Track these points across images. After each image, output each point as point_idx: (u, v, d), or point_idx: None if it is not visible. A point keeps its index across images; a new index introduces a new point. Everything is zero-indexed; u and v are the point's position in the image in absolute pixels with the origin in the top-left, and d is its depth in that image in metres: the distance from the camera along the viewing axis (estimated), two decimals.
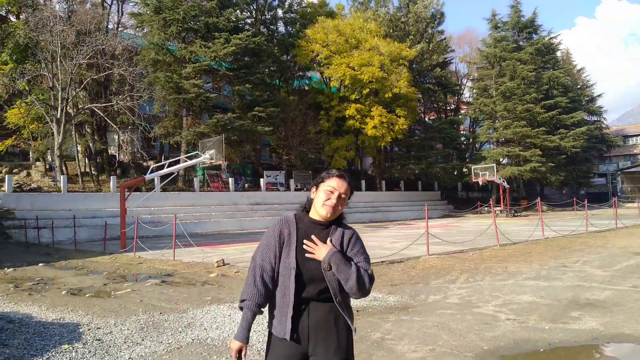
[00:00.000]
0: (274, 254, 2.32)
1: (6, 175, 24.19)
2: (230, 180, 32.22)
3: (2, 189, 23.36)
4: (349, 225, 2.49)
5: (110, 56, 27.49)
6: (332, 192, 2.35)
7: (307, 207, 2.47)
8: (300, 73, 40.92)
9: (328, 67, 36.98)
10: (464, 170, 45.41)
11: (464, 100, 54.10)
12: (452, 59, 51.01)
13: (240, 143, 33.52)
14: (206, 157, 19.77)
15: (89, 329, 5.99)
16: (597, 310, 6.22)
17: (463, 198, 49.20)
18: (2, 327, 5.29)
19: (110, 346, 5.27)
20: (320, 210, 2.36)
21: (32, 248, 18.12)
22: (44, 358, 4.79)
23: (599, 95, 55.97)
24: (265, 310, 2.39)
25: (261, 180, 33.93)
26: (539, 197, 23.11)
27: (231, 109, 33.18)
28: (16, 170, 28.78)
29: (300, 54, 36.63)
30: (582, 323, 5.64)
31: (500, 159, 43.24)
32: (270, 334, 2.34)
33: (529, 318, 5.97)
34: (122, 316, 6.67)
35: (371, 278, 2.31)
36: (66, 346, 5.20)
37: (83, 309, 7.24)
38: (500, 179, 37.77)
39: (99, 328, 6.04)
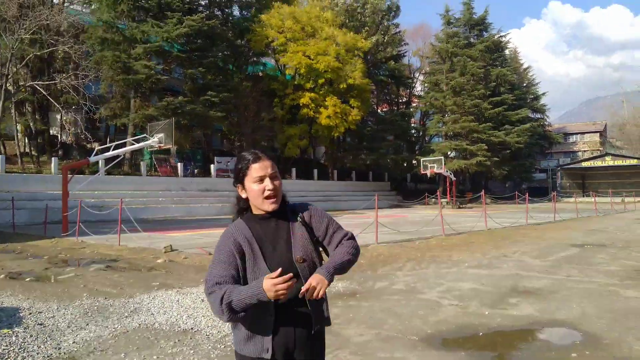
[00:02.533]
0: (235, 268, 1.95)
1: None
2: (179, 165, 31.56)
3: None
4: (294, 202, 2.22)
5: (55, 32, 26.19)
6: (262, 180, 2.02)
7: (242, 207, 2.14)
8: (255, 59, 40.42)
9: (284, 55, 36.73)
10: (414, 162, 46.48)
11: (416, 93, 55.19)
12: (405, 52, 51.87)
13: (191, 128, 32.84)
14: (155, 140, 19.26)
15: (30, 313, 5.78)
16: (534, 297, 6.57)
17: (412, 189, 50.34)
18: None
19: (53, 330, 5.12)
20: (265, 207, 2.03)
21: None
22: None
23: (543, 94, 58.57)
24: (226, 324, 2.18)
25: (212, 166, 33.43)
26: (483, 190, 24.00)
27: (182, 92, 32.43)
28: None
29: (255, 39, 36.16)
30: (519, 309, 5.94)
31: (448, 152, 44.53)
32: (238, 356, 2.01)
33: (470, 304, 6.22)
34: (65, 301, 6.47)
35: (355, 241, 2.14)
36: (6, 330, 5.00)
37: (23, 293, 6.97)
38: (447, 171, 38.88)
39: (41, 312, 5.84)
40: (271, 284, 1.76)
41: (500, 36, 48.40)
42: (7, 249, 12.65)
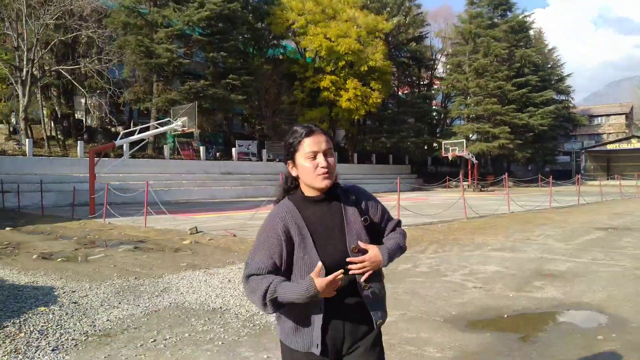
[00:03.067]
0: (278, 256, 1.81)
1: None
2: (202, 148, 31.88)
3: None
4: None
5: (78, 17, 26.50)
6: (315, 156, 1.84)
7: (290, 186, 1.97)
8: (275, 42, 40.33)
9: (304, 37, 36.56)
10: (434, 145, 46.12)
11: (438, 75, 54.48)
12: (427, 34, 51.14)
13: (212, 111, 33.08)
14: (178, 124, 19.48)
15: (64, 292, 6.00)
16: (559, 280, 6.55)
17: (432, 172, 50.02)
18: None
19: (87, 308, 5.30)
20: (317, 184, 1.85)
21: None
22: (22, 319, 4.79)
23: (567, 75, 57.21)
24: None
25: (233, 149, 33.68)
26: (506, 173, 23.75)
27: (204, 76, 32.59)
28: None
29: (275, 22, 36.03)
30: (544, 292, 5.94)
31: (470, 135, 44.04)
32: (284, 347, 1.89)
33: (495, 287, 6.24)
34: (96, 280, 6.68)
35: (404, 233, 2.04)
36: (43, 308, 5.21)
37: (56, 273, 7.21)
38: (469, 154, 38.50)
39: (74, 291, 6.05)
40: (324, 285, 1.67)
41: (525, 16, 47.32)
42: (36, 230, 13.03)
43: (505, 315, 5.05)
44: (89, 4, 27.07)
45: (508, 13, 46.97)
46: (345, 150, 44.23)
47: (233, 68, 32.56)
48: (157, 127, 20.70)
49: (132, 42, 28.69)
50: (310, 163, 1.84)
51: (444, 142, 40.00)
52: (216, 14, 30.55)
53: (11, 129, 29.30)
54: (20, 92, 25.16)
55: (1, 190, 19.85)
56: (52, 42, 26.78)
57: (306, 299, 1.68)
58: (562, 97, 55.20)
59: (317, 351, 1.78)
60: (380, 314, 1.92)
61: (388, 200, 21.81)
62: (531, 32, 51.36)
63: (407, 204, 15.44)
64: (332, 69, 36.47)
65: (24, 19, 24.34)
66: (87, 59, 27.49)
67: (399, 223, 2.07)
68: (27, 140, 24.32)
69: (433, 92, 51.70)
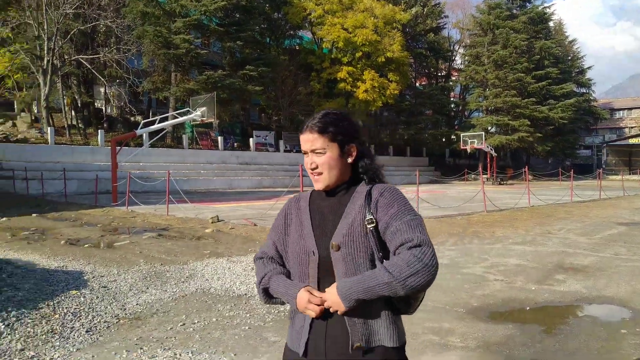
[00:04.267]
0: (280, 237, 1.78)
1: None
2: (220, 138, 32.09)
3: None
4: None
5: (97, 6, 26.74)
6: (307, 154, 1.73)
7: None
8: (292, 32, 40.26)
9: (321, 28, 36.46)
10: (453, 137, 45.77)
11: (456, 67, 53.97)
12: (445, 25, 50.64)
13: (229, 102, 33.21)
14: (197, 114, 19.66)
15: (93, 277, 6.17)
16: (581, 274, 6.55)
17: (450, 165, 49.74)
18: (12, 272, 5.45)
19: (116, 293, 5.46)
20: (313, 182, 1.74)
21: (21, 199, 18.07)
22: (55, 302, 4.96)
23: (588, 68, 56.25)
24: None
25: (250, 140, 33.85)
26: (526, 166, 23.54)
27: (221, 66, 32.71)
28: (1, 120, 28.29)
29: (292, 11, 35.97)
30: (566, 285, 5.95)
31: (489, 127, 43.62)
32: (286, 346, 1.77)
33: (516, 279, 6.27)
34: (124, 266, 6.85)
35: (423, 253, 1.46)
36: (74, 291, 5.37)
37: (84, 258, 7.40)
38: (488, 147, 38.19)
39: (103, 276, 6.22)
40: (305, 300, 1.58)
41: (545, 7, 46.57)
42: (62, 216, 13.31)
43: (527, 308, 5.08)
44: None
45: (527, 4, 46.26)
46: None
47: (250, 58, 32.63)
48: (176, 117, 20.90)
49: (150, 32, 28.88)
50: (305, 160, 1.75)
51: (462, 134, 39.68)
52: (233, 4, 30.58)
53: (33, 118, 29.75)
54: (41, 81, 25.54)
55: (25, 177, 20.25)
56: (72, 32, 27.06)
57: (289, 301, 1.65)
58: (583, 90, 54.31)
59: (300, 352, 1.64)
60: (364, 336, 1.57)
61: (406, 193, 21.83)
62: (551, 23, 50.54)
63: (425, 196, 15.43)
64: (349, 59, 36.34)
65: (44, 8, 24.63)
66: (106, 49, 27.74)
67: (412, 241, 1.50)
68: (49, 128, 24.73)
69: (451, 83, 51.26)
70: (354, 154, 1.74)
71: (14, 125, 28.34)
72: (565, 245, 8.78)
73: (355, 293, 1.50)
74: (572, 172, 21.15)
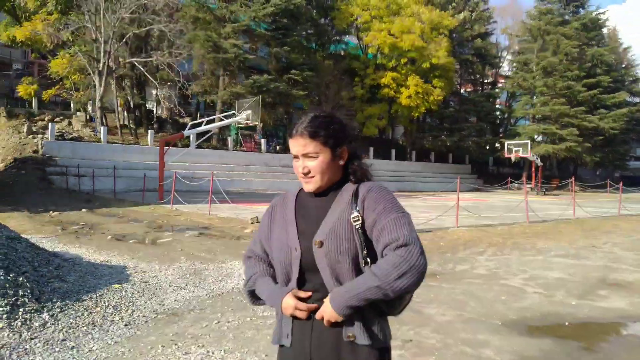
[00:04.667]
0: (265, 235, 1.78)
1: (49, 123, 25.05)
2: (263, 141, 32.59)
3: (46, 136, 24.24)
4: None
5: (151, 11, 27.71)
6: (297, 158, 1.71)
7: None
8: (337, 37, 40.43)
9: (367, 33, 36.47)
10: (497, 145, 44.78)
11: (503, 73, 52.76)
12: (493, 31, 49.53)
13: (274, 105, 33.65)
14: (242, 117, 20.07)
15: (135, 272, 6.42)
16: (625, 291, 6.31)
17: (493, 173, 48.63)
18: (59, 265, 5.74)
19: (156, 288, 5.67)
20: (303, 185, 1.74)
21: (73, 194, 18.92)
22: (98, 294, 5.20)
23: None
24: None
25: None
26: (572, 177, 22.78)
27: (267, 70, 33.22)
28: (58, 119, 29.65)
29: (339, 17, 36.15)
30: (609, 302, 5.76)
31: (535, 136, 42.40)
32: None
33: (556, 293, 6.11)
34: (165, 262, 7.09)
35: (410, 252, 1.47)
36: (117, 285, 5.62)
37: (128, 253, 7.71)
38: (534, 156, 37.14)
39: (145, 272, 6.46)
40: (292, 307, 1.59)
41: (599, 13, 44.88)
42: (110, 212, 13.86)
43: (567, 323, 4.95)
44: None
45: (580, 10, 44.77)
46: (403, 147, 43.82)
47: (295, 63, 33.00)
48: (222, 120, 21.40)
49: (201, 36, 29.67)
50: (294, 164, 1.74)
51: (507, 142, 38.74)
52: (281, 9, 31.04)
53: (88, 117, 31.05)
54: (96, 83, 26.66)
55: (78, 174, 21.17)
56: (127, 35, 28.12)
57: (272, 305, 1.67)
58: (637, 100, 51.99)
59: (287, 343, 1.66)
60: (356, 330, 1.58)
61: (447, 200, 21.50)
62: (605, 30, 48.70)
63: (466, 205, 15.18)
64: (394, 65, 36.16)
65: (102, 12, 25.73)
66: (159, 52, 28.68)
67: (399, 240, 1.50)
68: (102, 128, 25.80)
69: (497, 90, 50.12)
70: (345, 156, 1.73)
71: (70, 124, 29.68)
72: (610, 260, 8.47)
73: (348, 302, 1.51)
74: (621, 184, 20.29)
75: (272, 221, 1.78)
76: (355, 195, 1.64)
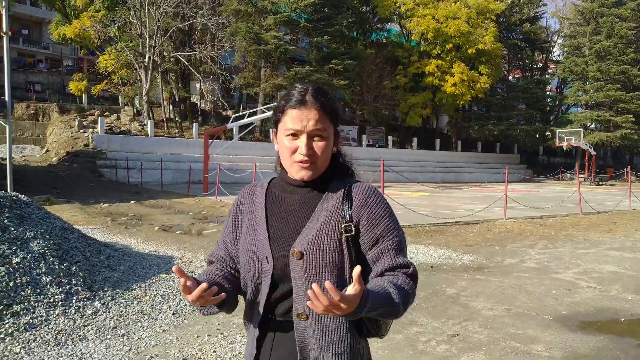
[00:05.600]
0: (230, 236, 1.50)
1: (99, 118, 25.98)
2: None
3: (96, 130, 25.14)
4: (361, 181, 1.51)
5: (194, 5, 28.16)
6: (296, 136, 1.38)
7: (281, 164, 1.50)
8: (379, 25, 39.95)
9: (410, 20, 35.83)
10: (547, 133, 43.28)
11: (553, 58, 50.82)
12: (543, 14, 47.77)
13: None
14: None
15: (182, 262, 6.55)
16: None
17: (544, 163, 47.09)
18: (110, 255, 5.91)
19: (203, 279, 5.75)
20: (292, 172, 1.42)
21: (122, 187, 19.55)
22: (147, 284, 5.33)
23: None
24: None
25: None
26: (628, 166, 21.73)
27: (308, 61, 33.23)
28: (107, 113, 30.72)
29: (381, 4, 35.67)
30: None
31: (588, 124, 40.67)
32: None
33: (611, 287, 5.84)
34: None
35: (414, 282, 1.37)
36: (164, 275, 5.74)
37: (175, 244, 7.88)
38: (586, 144, 35.69)
39: (191, 262, 6.59)
40: (190, 299, 1.28)
41: None
42: (157, 204, 14.23)
43: (622, 319, 4.72)
44: None
45: None
46: (448, 137, 42.97)
47: (336, 53, 32.84)
48: (264, 112, 21.54)
49: (243, 28, 29.94)
50: (289, 143, 1.39)
51: (558, 130, 37.37)
52: None
53: (135, 111, 32.02)
54: (143, 77, 27.39)
55: (127, 166, 21.87)
56: (171, 30, 28.71)
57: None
58: None
59: None
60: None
61: (494, 191, 20.97)
62: None
63: (514, 196, 14.74)
64: (438, 52, 35.40)
65: (146, 7, 26.34)
66: (202, 46, 29.16)
67: (405, 265, 1.37)
68: (148, 121, 26.52)
69: (547, 76, 48.33)
70: (339, 141, 1.50)
71: (118, 118, 30.68)
72: None
73: (377, 301, 1.25)
74: None
75: (239, 222, 1.49)
76: (348, 198, 1.40)
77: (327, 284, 1.12)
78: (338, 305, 1.15)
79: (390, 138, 36.36)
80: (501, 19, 40.68)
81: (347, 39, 36.05)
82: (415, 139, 37.67)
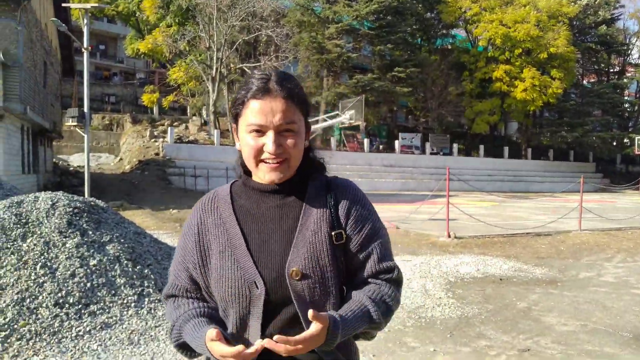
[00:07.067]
0: (195, 264, 1.25)
1: (169, 128, 27.13)
2: (365, 141, 32.54)
3: (166, 139, 26.26)
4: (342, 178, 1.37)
5: (259, 18, 28.88)
6: (260, 132, 1.20)
7: (244, 166, 1.32)
8: (444, 31, 39.26)
9: (477, 25, 34.94)
10: (625, 140, 40.70)
11: (632, 62, 47.78)
12: (620, 16, 45.07)
13: (377, 104, 33.51)
14: (346, 117, 20.20)
15: None
16: None
17: (622, 172, 44.25)
18: None
19: None
20: (259, 174, 1.24)
21: (190, 193, 20.24)
22: None
23: None
24: None
25: (396, 142, 33.74)
26: None
27: (370, 69, 33.18)
28: (176, 123, 32.04)
29: (446, 10, 35.06)
30: None
31: None
32: None
33: None
34: None
35: (397, 289, 1.27)
36: None
37: None
38: None
39: None
40: (218, 354, 1.09)
41: None
42: None
43: None
44: (269, 5, 29.33)
45: None
46: (517, 145, 41.35)
47: (399, 60, 32.58)
48: (326, 120, 21.69)
49: (306, 39, 30.37)
50: (253, 141, 1.20)
51: (637, 137, 35.03)
52: (385, 6, 30.82)
53: (202, 121, 33.18)
54: (210, 88, 28.36)
55: (194, 174, 22.65)
56: (237, 42, 29.58)
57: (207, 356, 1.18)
58: None
59: None
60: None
61: (567, 202, 19.90)
62: None
63: (590, 206, 13.90)
64: (507, 57, 34.24)
65: (214, 22, 27.30)
66: (267, 57, 29.82)
67: (389, 269, 1.25)
68: (215, 131, 27.40)
69: (626, 80, 45.47)
70: (309, 133, 1.30)
71: (187, 128, 31.91)
72: None
73: (349, 325, 1.15)
74: None
75: (205, 245, 1.25)
76: (333, 201, 1.25)
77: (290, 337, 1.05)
78: (298, 349, 1.06)
79: (455, 146, 35.46)
80: (574, 22, 38.81)
81: (411, 45, 35.70)
82: (482, 147, 36.51)
